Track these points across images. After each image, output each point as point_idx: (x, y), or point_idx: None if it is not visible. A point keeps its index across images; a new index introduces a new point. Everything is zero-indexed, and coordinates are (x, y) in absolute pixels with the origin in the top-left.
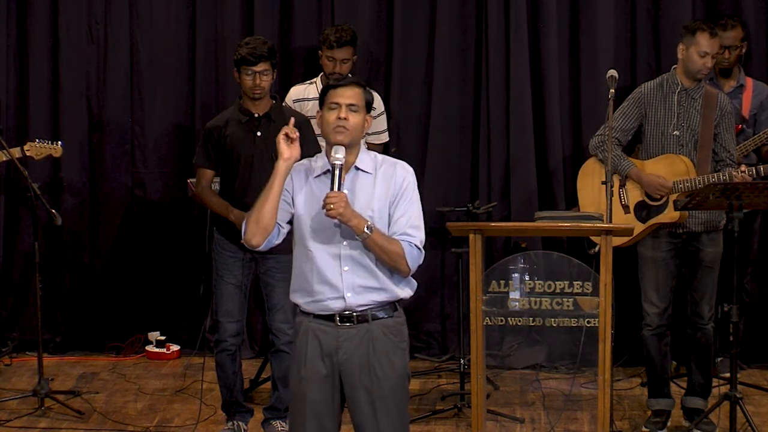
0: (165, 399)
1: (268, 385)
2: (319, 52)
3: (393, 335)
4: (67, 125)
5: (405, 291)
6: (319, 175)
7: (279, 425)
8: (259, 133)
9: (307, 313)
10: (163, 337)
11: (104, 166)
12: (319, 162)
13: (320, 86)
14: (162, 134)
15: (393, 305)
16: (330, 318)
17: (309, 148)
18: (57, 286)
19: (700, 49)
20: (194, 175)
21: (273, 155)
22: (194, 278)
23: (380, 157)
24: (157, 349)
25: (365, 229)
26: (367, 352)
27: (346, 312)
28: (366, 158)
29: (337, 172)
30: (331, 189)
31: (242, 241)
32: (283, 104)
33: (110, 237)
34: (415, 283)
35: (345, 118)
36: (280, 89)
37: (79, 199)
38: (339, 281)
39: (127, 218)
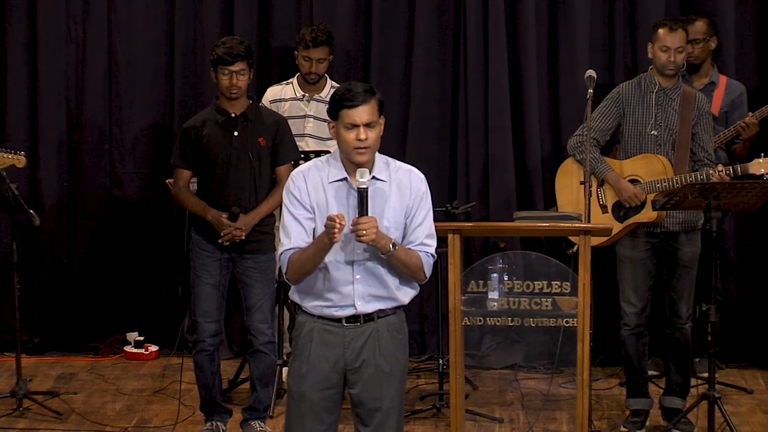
0: (143, 399)
1: (247, 385)
2: (295, 52)
3: (397, 332)
4: (45, 125)
5: (408, 297)
6: (333, 182)
7: (258, 425)
8: (236, 133)
9: (311, 314)
10: (141, 338)
11: (83, 166)
12: (333, 166)
13: (296, 86)
14: (140, 134)
15: None
16: (336, 319)
17: (286, 149)
18: (35, 287)
19: (661, 44)
20: (172, 176)
21: (250, 155)
22: (173, 278)
23: (393, 162)
24: (135, 350)
25: (390, 248)
26: (374, 351)
27: (354, 315)
28: (381, 165)
29: (364, 196)
30: (360, 214)
31: (285, 279)
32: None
33: (88, 237)
34: (418, 289)
35: (365, 139)
36: (259, 90)
37: (58, 200)
38: (350, 290)
39: (105, 218)
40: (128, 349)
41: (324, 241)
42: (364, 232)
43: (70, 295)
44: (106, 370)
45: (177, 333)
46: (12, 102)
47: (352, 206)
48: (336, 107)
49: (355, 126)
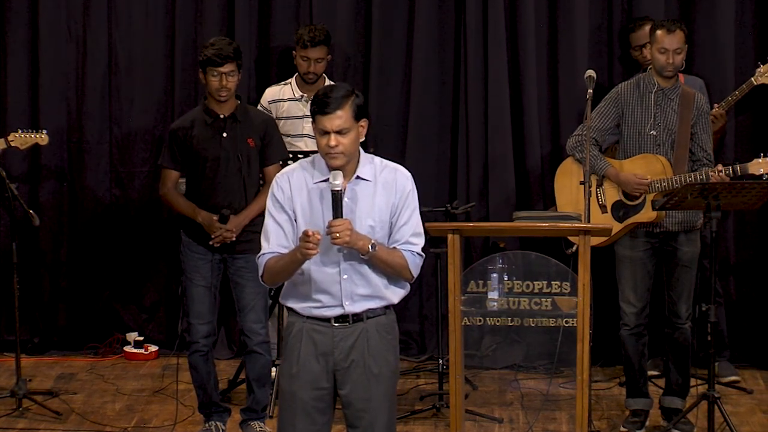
0: (143, 400)
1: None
2: (293, 52)
3: (386, 333)
4: (45, 124)
5: (397, 296)
6: (317, 182)
7: (257, 426)
8: (224, 134)
9: (301, 315)
10: (141, 338)
11: (82, 166)
12: (317, 167)
13: (295, 86)
14: (140, 134)
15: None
16: (325, 319)
17: (275, 149)
18: (35, 287)
19: (659, 46)
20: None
21: (239, 156)
22: (172, 278)
23: (378, 161)
24: (135, 350)
25: (369, 249)
26: (363, 351)
27: (342, 315)
28: (366, 165)
29: (338, 199)
30: (334, 216)
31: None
32: (259, 105)
33: (88, 237)
34: (408, 288)
35: (335, 145)
36: (258, 90)
37: (58, 199)
38: (338, 290)
39: (104, 218)
40: (128, 349)
41: (297, 257)
42: (338, 234)
43: (70, 294)
44: (106, 370)
45: (176, 333)
46: (12, 102)
47: None
48: (311, 111)
49: (326, 132)
